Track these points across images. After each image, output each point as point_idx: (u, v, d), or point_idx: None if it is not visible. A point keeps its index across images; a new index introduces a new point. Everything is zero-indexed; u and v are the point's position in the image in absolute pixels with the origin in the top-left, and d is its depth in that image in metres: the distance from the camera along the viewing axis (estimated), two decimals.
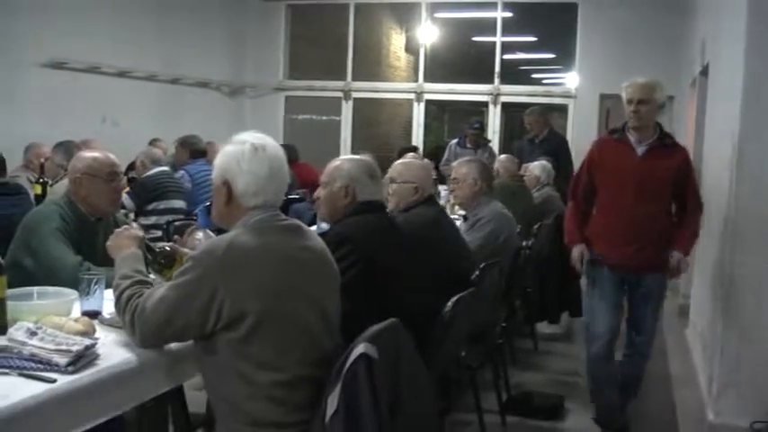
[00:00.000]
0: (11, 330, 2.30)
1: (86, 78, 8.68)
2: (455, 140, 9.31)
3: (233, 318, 2.27)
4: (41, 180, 5.53)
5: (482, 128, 9.34)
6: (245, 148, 2.44)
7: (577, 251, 4.41)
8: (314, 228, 4.08)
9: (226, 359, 2.33)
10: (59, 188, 4.90)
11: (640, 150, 4.24)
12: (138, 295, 2.41)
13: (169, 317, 2.30)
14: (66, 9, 8.31)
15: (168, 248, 2.99)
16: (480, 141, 9.05)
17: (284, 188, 2.54)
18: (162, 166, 6.58)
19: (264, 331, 2.29)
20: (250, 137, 2.50)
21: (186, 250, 3.05)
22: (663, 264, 4.26)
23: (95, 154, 3.65)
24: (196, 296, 2.27)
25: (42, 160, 5.95)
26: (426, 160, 7.05)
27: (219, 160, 2.50)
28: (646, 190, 4.21)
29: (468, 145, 8.93)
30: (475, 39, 13.73)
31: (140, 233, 2.88)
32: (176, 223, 5.50)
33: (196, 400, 3.60)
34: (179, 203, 6.37)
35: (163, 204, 6.26)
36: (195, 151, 7.37)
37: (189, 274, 2.31)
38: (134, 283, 2.49)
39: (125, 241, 2.76)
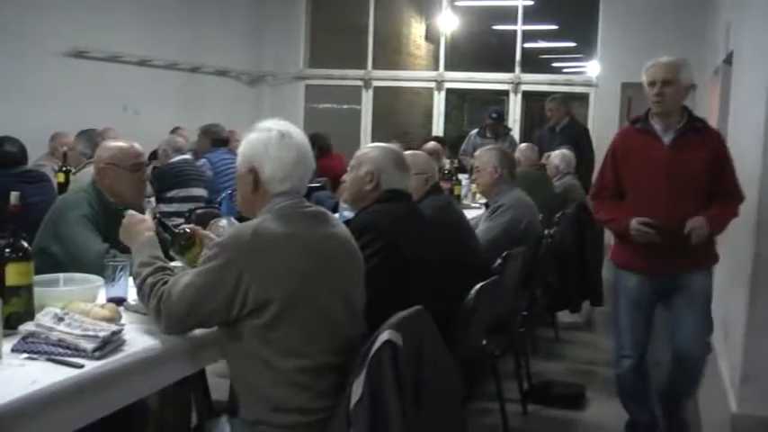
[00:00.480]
0: (38, 316, 2.32)
1: (107, 67, 8.71)
2: (475, 130, 9.29)
3: (258, 304, 2.28)
4: (64, 168, 5.56)
5: (501, 117, 9.31)
6: (272, 135, 2.46)
7: (634, 222, 3.74)
8: (336, 216, 4.09)
9: (250, 345, 2.34)
10: (83, 176, 4.94)
11: (667, 139, 3.75)
12: (162, 282, 2.43)
13: (195, 303, 2.31)
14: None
15: (188, 230, 2.99)
16: (500, 131, 9.02)
17: (309, 175, 2.55)
18: (184, 154, 6.61)
19: (289, 318, 2.30)
20: (275, 124, 2.51)
21: (206, 232, 3.07)
22: (704, 260, 3.86)
23: (121, 144, 3.65)
24: (222, 283, 2.28)
25: (65, 149, 5.99)
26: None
27: (245, 147, 2.50)
28: (678, 184, 3.71)
29: (488, 135, 8.91)
30: (495, 27, 13.67)
31: (148, 217, 2.86)
32: (198, 211, 5.52)
33: (219, 386, 3.63)
34: (200, 191, 6.39)
35: (184, 192, 6.28)
36: (217, 140, 7.40)
37: (214, 260, 2.32)
38: (156, 270, 2.50)
39: (137, 227, 2.75)
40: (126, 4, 8.91)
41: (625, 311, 3.97)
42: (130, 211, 2.86)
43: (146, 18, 9.22)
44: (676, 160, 3.72)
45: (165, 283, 2.41)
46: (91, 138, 5.84)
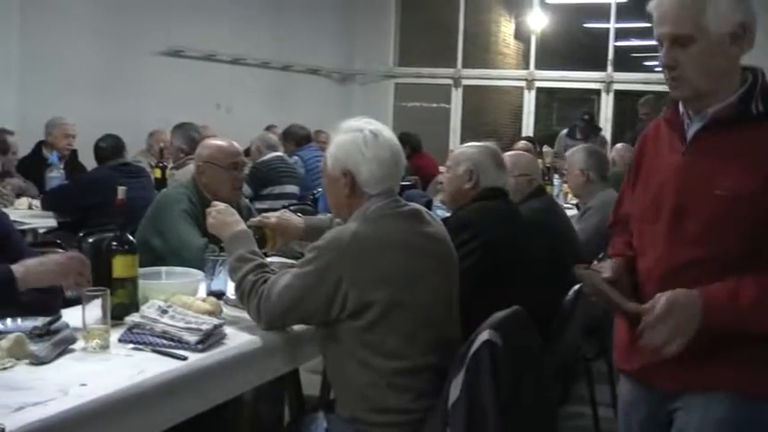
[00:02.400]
0: (143, 308, 2.38)
1: (202, 66, 8.90)
2: (564, 131, 9.17)
3: (357, 308, 2.28)
4: (160, 164, 5.70)
5: (591, 119, 9.16)
6: (366, 135, 2.41)
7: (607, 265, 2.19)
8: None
9: (348, 346, 2.34)
10: (183, 173, 5.02)
11: (691, 133, 2.03)
12: (262, 281, 2.43)
13: (293, 306, 2.33)
14: (185, 0, 8.55)
15: (256, 225, 2.99)
16: (590, 132, 8.87)
17: (402, 173, 2.53)
18: (277, 151, 6.67)
19: (389, 320, 2.29)
20: (364, 123, 2.46)
21: (274, 221, 3.06)
22: (742, 375, 1.94)
23: (220, 143, 3.69)
24: (320, 286, 2.29)
25: (161, 145, 6.13)
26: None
27: (337, 150, 2.45)
28: (690, 216, 1.98)
29: (578, 136, 8.77)
30: (587, 25, 13.46)
31: (222, 206, 2.81)
32: (291, 208, 5.57)
33: (310, 382, 3.66)
34: (293, 188, 6.45)
35: (277, 189, 6.34)
36: (301, 138, 7.47)
37: (313, 263, 2.32)
38: (255, 268, 2.49)
39: (227, 219, 2.72)
40: (220, 4, 9.08)
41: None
42: (219, 205, 2.83)
43: (239, 18, 9.37)
44: (692, 171, 2.00)
45: (266, 281, 2.42)
46: (186, 132, 5.94)
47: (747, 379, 1.93)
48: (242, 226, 2.70)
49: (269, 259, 2.78)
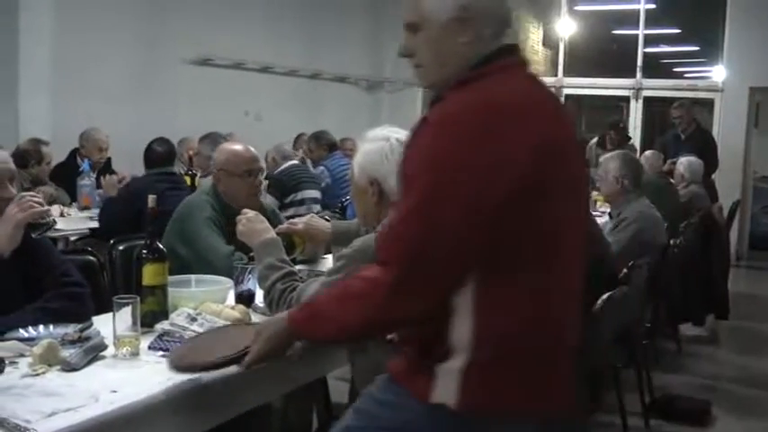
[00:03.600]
0: (172, 316, 2.40)
1: (231, 74, 8.95)
2: (594, 140, 9.11)
3: None
4: (190, 172, 5.74)
5: (623, 128, 9.09)
6: (392, 144, 2.41)
7: None
8: None
9: (374, 356, 2.34)
10: (207, 181, 5.05)
11: None
12: (291, 289, 2.46)
13: None
14: (214, 8, 8.61)
15: (284, 232, 3.01)
16: (621, 141, 8.79)
17: None
18: (292, 159, 6.67)
19: None
20: (390, 132, 2.47)
21: (299, 227, 3.10)
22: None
23: (235, 148, 3.65)
24: None
25: (191, 153, 6.17)
26: None
27: (363, 159, 2.46)
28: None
29: (609, 146, 8.71)
30: (615, 31, 13.40)
31: (251, 213, 2.85)
32: (319, 214, 5.59)
33: (338, 390, 3.67)
34: (314, 193, 6.46)
35: (300, 195, 6.35)
36: (331, 144, 7.49)
37: (342, 272, 2.33)
38: (284, 276, 2.52)
39: (257, 227, 2.74)
40: (249, 12, 9.13)
41: None
42: (249, 212, 2.86)
43: (268, 26, 9.42)
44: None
45: (294, 290, 2.44)
46: (214, 140, 5.97)
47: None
48: (271, 234, 2.72)
49: (297, 267, 2.79)
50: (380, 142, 2.44)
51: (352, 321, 1.78)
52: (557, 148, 1.76)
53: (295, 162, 6.70)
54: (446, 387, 1.73)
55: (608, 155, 5.07)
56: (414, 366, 1.82)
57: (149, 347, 2.26)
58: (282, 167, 6.48)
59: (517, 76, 1.84)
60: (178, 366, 2.03)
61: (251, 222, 2.77)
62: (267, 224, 2.78)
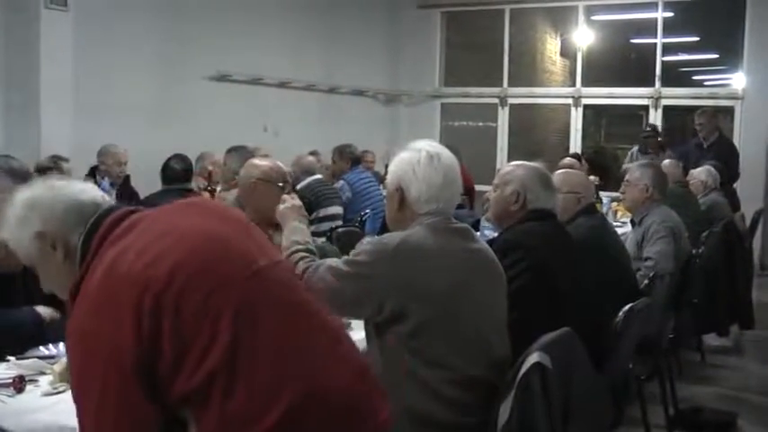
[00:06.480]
0: None
1: (249, 89, 9.01)
2: (635, 147, 9.06)
3: (395, 314, 2.30)
4: (209, 188, 5.77)
5: (656, 132, 9.02)
6: (422, 156, 2.49)
7: None
8: (477, 234, 4.07)
9: (395, 352, 2.34)
10: (231, 194, 5.06)
11: None
12: (309, 259, 2.57)
13: (328, 298, 2.31)
14: (232, 25, 8.68)
15: None
16: (657, 145, 8.72)
17: (458, 197, 2.58)
18: (314, 174, 6.63)
19: (432, 328, 2.30)
20: (426, 144, 2.55)
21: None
22: None
23: (270, 161, 3.67)
24: (357, 287, 2.36)
25: (210, 168, 6.19)
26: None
27: (395, 166, 2.55)
28: None
29: (649, 150, 8.65)
30: (633, 41, 13.35)
31: (298, 203, 3.00)
32: (339, 230, 5.59)
33: None
34: (336, 209, 6.43)
35: (322, 212, 6.32)
36: (354, 159, 7.49)
37: (355, 265, 2.40)
38: (308, 251, 2.64)
39: (293, 212, 2.89)
40: (266, 28, 9.19)
41: None
42: (296, 201, 2.99)
43: (285, 41, 9.47)
44: None
45: (313, 261, 2.55)
46: (242, 155, 5.95)
47: None
48: (301, 222, 2.86)
49: None
50: (413, 152, 2.53)
51: None
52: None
53: (318, 177, 6.65)
54: None
55: (639, 163, 5.09)
56: None
57: None
58: (303, 184, 6.41)
59: None
60: None
61: (291, 210, 2.91)
62: (302, 211, 2.93)
